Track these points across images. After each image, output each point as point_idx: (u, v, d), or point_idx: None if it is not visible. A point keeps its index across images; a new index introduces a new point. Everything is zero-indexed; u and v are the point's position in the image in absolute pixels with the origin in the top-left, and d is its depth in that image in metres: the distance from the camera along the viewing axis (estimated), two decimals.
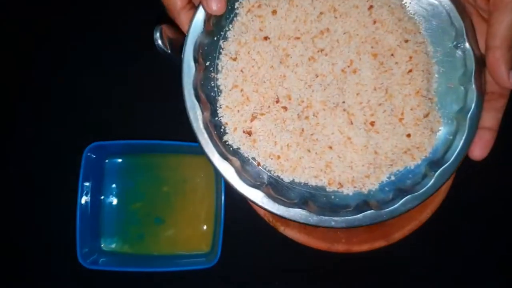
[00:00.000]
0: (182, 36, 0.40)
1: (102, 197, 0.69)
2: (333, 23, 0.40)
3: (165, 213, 0.69)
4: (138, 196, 0.69)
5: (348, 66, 0.40)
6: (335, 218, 0.39)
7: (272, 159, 0.41)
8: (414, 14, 0.42)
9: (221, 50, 0.41)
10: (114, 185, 0.69)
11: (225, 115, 0.41)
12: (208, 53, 0.41)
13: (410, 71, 0.40)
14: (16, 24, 0.72)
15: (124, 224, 0.69)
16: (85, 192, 0.66)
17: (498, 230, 0.67)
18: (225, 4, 0.38)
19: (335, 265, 0.66)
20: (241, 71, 0.40)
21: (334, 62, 0.40)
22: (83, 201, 0.66)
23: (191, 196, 0.68)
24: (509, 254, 0.67)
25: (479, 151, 0.40)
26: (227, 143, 0.41)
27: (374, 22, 0.40)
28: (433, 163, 0.40)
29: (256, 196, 0.39)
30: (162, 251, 0.68)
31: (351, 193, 0.41)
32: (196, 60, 0.38)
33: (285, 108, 0.40)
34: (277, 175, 0.41)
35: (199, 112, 0.38)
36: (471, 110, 0.39)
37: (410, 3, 0.42)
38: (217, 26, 0.41)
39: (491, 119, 0.40)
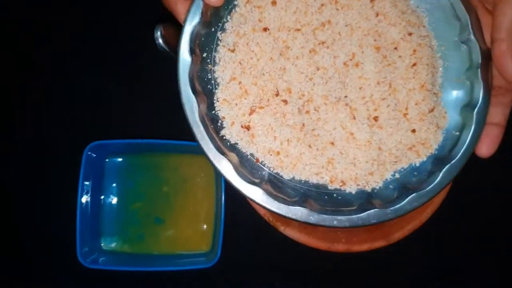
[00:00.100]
0: None
1: (102, 197, 0.69)
2: (334, 15, 0.39)
3: (165, 213, 0.68)
4: (138, 196, 0.69)
5: (350, 59, 0.39)
6: (338, 217, 0.37)
7: (271, 155, 0.39)
8: (417, 7, 0.41)
9: (218, 42, 0.40)
10: (114, 185, 0.69)
11: (222, 109, 0.40)
12: (205, 45, 0.40)
13: (414, 64, 0.39)
14: (16, 24, 0.71)
15: (124, 223, 0.69)
16: (85, 191, 0.66)
17: (498, 230, 0.67)
18: None
19: (335, 265, 0.66)
20: (240, 63, 0.39)
21: (335, 55, 0.39)
22: (83, 200, 0.65)
23: (191, 196, 0.68)
24: (509, 254, 0.67)
25: (486, 148, 0.38)
26: (224, 137, 0.40)
27: (377, 15, 0.39)
28: (439, 160, 0.39)
29: (255, 193, 0.37)
30: (162, 250, 0.68)
31: (354, 191, 0.40)
32: (192, 51, 0.37)
33: (285, 101, 0.39)
34: (277, 172, 0.40)
35: (195, 105, 0.37)
36: (478, 105, 0.37)
37: None
38: (215, 17, 0.40)
39: (498, 114, 0.39)
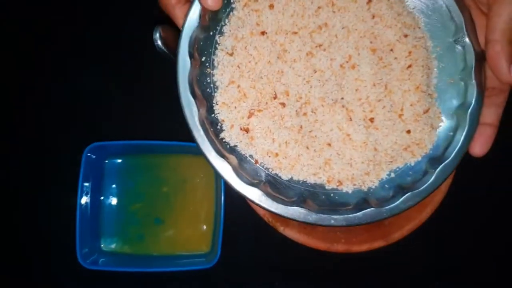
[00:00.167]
0: None
1: (102, 198, 0.69)
2: (331, 18, 0.39)
3: (165, 214, 0.69)
4: (138, 197, 0.69)
5: (347, 62, 0.40)
6: (335, 216, 0.38)
7: (270, 156, 0.40)
8: (413, 8, 0.41)
9: (217, 45, 0.41)
10: (114, 186, 0.69)
11: (221, 112, 0.40)
12: (203, 48, 0.40)
13: (410, 66, 0.40)
14: (16, 24, 0.72)
15: (124, 224, 0.69)
16: (85, 192, 0.66)
17: (497, 230, 0.67)
18: None
19: (335, 265, 0.66)
20: (238, 66, 0.40)
21: (332, 57, 0.40)
22: (83, 201, 0.66)
23: (191, 196, 0.68)
24: (509, 254, 0.67)
25: (479, 148, 0.39)
26: (224, 140, 0.40)
27: (373, 17, 0.40)
28: (434, 160, 0.39)
29: (254, 194, 0.38)
30: (162, 251, 0.68)
31: (350, 191, 0.40)
32: (191, 56, 0.38)
33: (283, 104, 0.39)
34: (275, 173, 0.41)
35: (195, 109, 0.38)
36: (472, 106, 0.38)
37: None
38: (213, 21, 0.40)
39: (492, 114, 0.40)
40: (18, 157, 0.71)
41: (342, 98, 0.40)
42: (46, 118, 0.71)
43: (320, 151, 0.40)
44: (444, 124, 0.41)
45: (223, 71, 0.40)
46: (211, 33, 0.41)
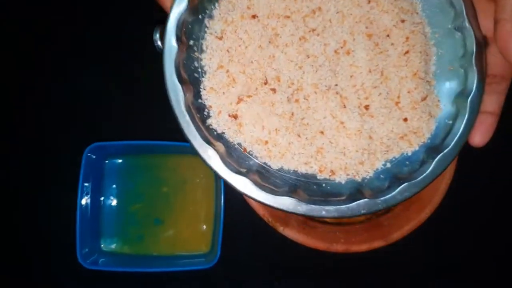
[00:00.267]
0: None
1: (102, 198, 0.69)
2: (325, 2, 0.38)
3: (165, 214, 0.68)
4: (138, 197, 0.69)
5: (341, 47, 0.38)
6: (326, 207, 0.36)
7: (259, 144, 0.38)
8: None
9: (206, 29, 0.39)
10: (114, 186, 0.69)
11: (209, 98, 0.39)
12: (192, 32, 0.39)
13: (407, 52, 0.38)
14: (16, 24, 0.72)
15: (124, 224, 0.69)
16: (85, 192, 0.66)
17: (497, 229, 0.66)
18: None
19: (335, 263, 0.66)
20: (227, 51, 0.38)
21: (326, 42, 0.38)
22: (83, 201, 0.66)
23: (190, 196, 0.68)
24: (509, 254, 0.66)
25: (480, 137, 0.37)
26: (210, 127, 0.39)
27: (369, 1, 0.38)
28: (432, 149, 0.38)
29: (241, 183, 0.36)
30: (162, 251, 0.68)
31: (343, 181, 0.39)
32: (179, 39, 0.36)
33: (273, 90, 0.38)
34: (265, 162, 0.39)
35: (181, 94, 0.36)
36: (472, 93, 0.36)
37: None
38: (202, 3, 0.39)
39: (493, 102, 0.38)
40: (18, 157, 0.71)
41: (336, 85, 0.38)
42: (46, 118, 0.71)
43: (312, 139, 0.38)
44: (443, 112, 0.39)
45: (212, 55, 0.39)
46: (200, 16, 0.39)
